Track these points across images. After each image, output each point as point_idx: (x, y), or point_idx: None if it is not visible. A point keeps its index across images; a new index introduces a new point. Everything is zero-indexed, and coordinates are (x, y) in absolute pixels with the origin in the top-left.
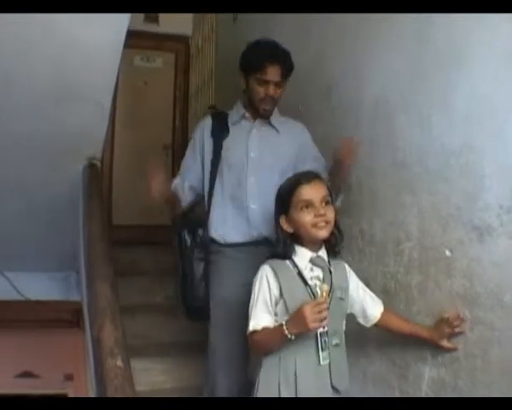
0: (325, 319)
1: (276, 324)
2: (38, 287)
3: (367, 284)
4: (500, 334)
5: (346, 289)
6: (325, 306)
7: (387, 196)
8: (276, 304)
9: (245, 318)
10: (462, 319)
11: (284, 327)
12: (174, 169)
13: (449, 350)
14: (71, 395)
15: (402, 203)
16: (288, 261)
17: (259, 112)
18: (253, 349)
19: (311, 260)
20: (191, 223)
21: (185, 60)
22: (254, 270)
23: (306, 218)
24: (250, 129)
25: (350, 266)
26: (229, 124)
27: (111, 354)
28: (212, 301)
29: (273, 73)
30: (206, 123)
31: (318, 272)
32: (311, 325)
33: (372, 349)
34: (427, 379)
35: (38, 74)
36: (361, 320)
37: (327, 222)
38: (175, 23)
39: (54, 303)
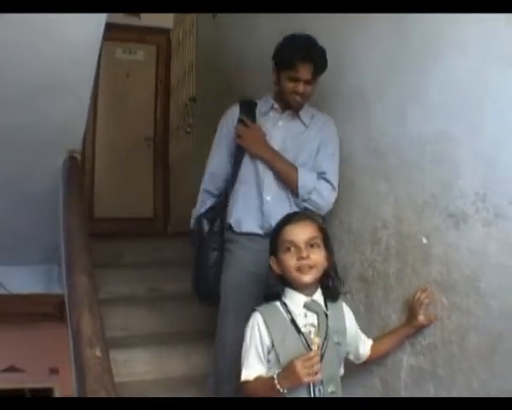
0: (318, 372)
1: (269, 372)
2: (21, 281)
3: (346, 272)
4: (477, 320)
5: (343, 332)
6: (317, 359)
7: (363, 185)
8: (269, 353)
9: (254, 304)
10: (428, 292)
11: (276, 381)
12: (155, 161)
13: (428, 324)
14: (56, 388)
15: (378, 192)
16: (281, 307)
17: (290, 104)
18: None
19: (306, 306)
20: (210, 211)
21: (166, 52)
22: (266, 261)
23: (290, 260)
24: (277, 121)
25: None
26: (258, 114)
27: (90, 344)
28: (223, 287)
29: (304, 71)
30: (234, 111)
31: (313, 319)
32: (305, 379)
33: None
34: (405, 367)
35: (16, 67)
36: (352, 357)
37: (311, 266)
38: (156, 16)
39: (37, 297)
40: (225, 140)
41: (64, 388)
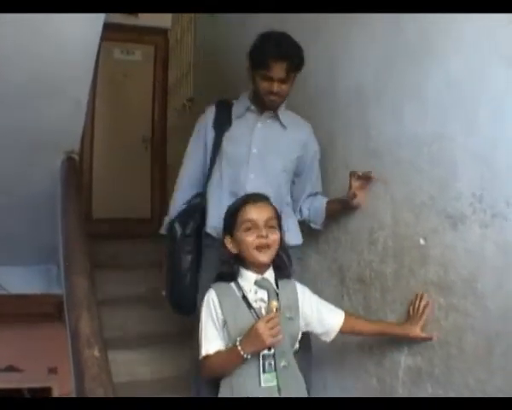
0: (279, 333)
1: (228, 346)
2: (20, 281)
3: (342, 273)
4: (474, 321)
5: (295, 309)
6: (277, 320)
7: None
8: (224, 327)
9: None
10: (427, 301)
11: (239, 347)
12: (153, 161)
13: (424, 340)
14: (55, 388)
15: (375, 192)
16: (233, 284)
17: (265, 104)
18: (207, 374)
19: (256, 283)
20: (183, 214)
21: (164, 52)
22: None
23: (249, 239)
24: (255, 122)
25: (325, 254)
26: (233, 115)
27: (88, 344)
28: (201, 293)
29: (278, 70)
30: (209, 113)
31: (263, 294)
32: (268, 340)
33: (349, 337)
34: (403, 367)
35: (14, 68)
36: (323, 337)
37: (268, 246)
38: (154, 16)
39: (36, 297)
40: (202, 143)
41: (62, 387)
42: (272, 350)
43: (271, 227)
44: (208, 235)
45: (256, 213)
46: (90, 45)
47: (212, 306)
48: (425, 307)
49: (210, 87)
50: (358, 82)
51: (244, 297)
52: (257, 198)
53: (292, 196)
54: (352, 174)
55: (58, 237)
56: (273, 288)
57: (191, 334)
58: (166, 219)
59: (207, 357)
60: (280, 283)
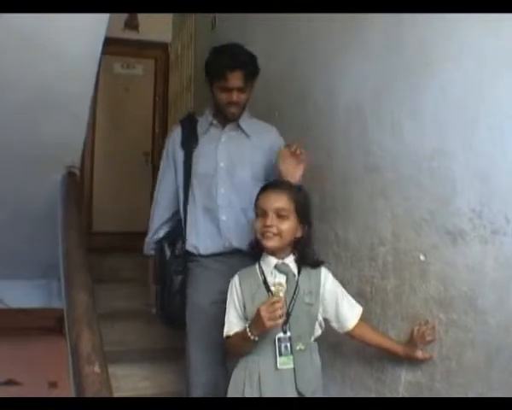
0: (281, 317)
1: None
2: (20, 295)
3: (343, 289)
4: (474, 336)
5: (316, 294)
6: (280, 304)
7: (361, 201)
8: (245, 310)
9: (220, 323)
10: (433, 328)
11: (247, 330)
12: (154, 175)
13: (422, 361)
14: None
15: (375, 208)
16: (257, 268)
17: (227, 116)
18: (229, 353)
19: (276, 267)
20: (171, 236)
21: (165, 66)
22: (229, 278)
23: (257, 225)
24: (219, 137)
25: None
26: (199, 133)
27: (88, 360)
28: (188, 307)
29: (234, 79)
30: (176, 133)
31: (281, 279)
32: (268, 323)
33: (349, 352)
34: (403, 382)
35: (14, 83)
36: (335, 325)
37: (275, 234)
38: (154, 30)
39: (36, 311)
40: (171, 162)
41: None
42: (288, 333)
43: (282, 216)
44: (190, 253)
45: (266, 202)
46: (90, 60)
47: (234, 290)
48: (429, 331)
49: (210, 101)
50: (357, 98)
51: (265, 281)
52: (273, 187)
53: None
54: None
55: (58, 251)
56: (292, 272)
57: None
58: (146, 240)
59: (228, 337)
60: (303, 269)
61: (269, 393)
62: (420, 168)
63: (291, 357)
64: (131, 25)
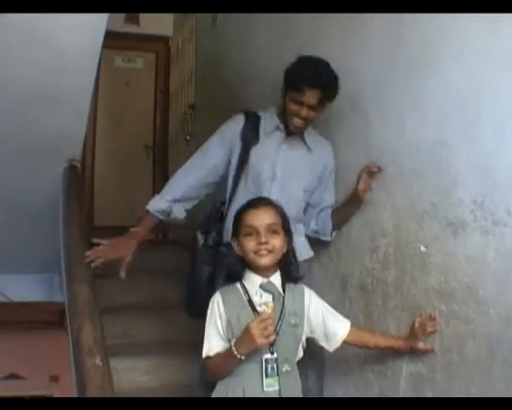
0: (272, 334)
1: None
2: (22, 289)
3: (345, 282)
4: (475, 327)
5: (301, 314)
6: (270, 321)
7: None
8: (227, 329)
9: None
10: (434, 320)
11: (233, 348)
12: (155, 169)
13: (425, 352)
14: (56, 396)
15: (377, 200)
16: (239, 287)
17: (289, 125)
18: (208, 374)
19: (262, 286)
20: (206, 224)
21: (166, 60)
22: None
23: (249, 244)
24: (281, 143)
25: (327, 263)
26: (261, 131)
27: (90, 353)
28: None
29: (310, 96)
30: (238, 121)
31: (268, 298)
32: (259, 340)
33: (351, 349)
34: (404, 374)
35: (15, 77)
36: (324, 344)
37: (270, 251)
38: (155, 24)
39: (38, 305)
40: (226, 147)
41: (64, 396)
42: (275, 354)
43: (274, 232)
44: (227, 244)
45: (256, 219)
46: (91, 53)
47: (216, 308)
48: (430, 322)
49: (211, 95)
50: (359, 92)
51: (249, 301)
52: (259, 203)
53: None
54: (365, 169)
55: (60, 245)
56: (278, 292)
57: (197, 343)
58: (157, 198)
59: (208, 358)
60: (287, 286)
61: None
62: (422, 161)
63: (277, 378)
64: (132, 18)
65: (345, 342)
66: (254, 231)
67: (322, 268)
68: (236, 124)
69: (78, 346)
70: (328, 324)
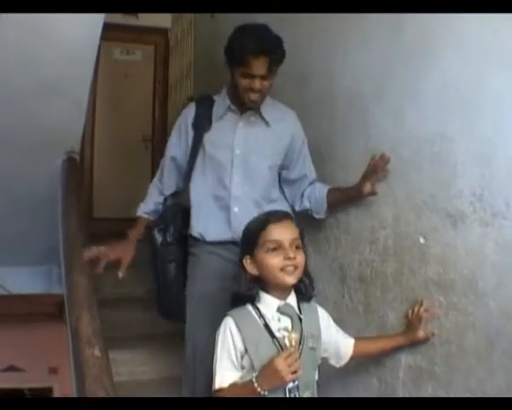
0: (299, 369)
1: (244, 379)
2: (21, 281)
3: (343, 272)
4: (474, 319)
5: (317, 337)
6: (297, 355)
7: None
8: (242, 357)
9: (221, 311)
10: (427, 307)
11: (256, 384)
12: (154, 161)
13: (426, 340)
14: (55, 388)
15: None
16: (252, 311)
17: (245, 102)
18: None
19: (279, 309)
20: (162, 220)
21: (164, 52)
22: (233, 265)
23: (274, 260)
24: (236, 122)
25: (326, 254)
26: (213, 116)
27: (88, 343)
28: (189, 293)
29: (258, 66)
30: (190, 111)
31: (287, 323)
32: (288, 377)
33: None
34: (403, 366)
35: (14, 68)
36: (333, 362)
37: (296, 267)
38: (154, 16)
39: (36, 297)
40: (183, 139)
41: (63, 387)
42: (296, 382)
43: (297, 248)
44: (194, 238)
45: (282, 234)
46: (90, 45)
47: (229, 335)
48: (424, 311)
49: (210, 87)
50: (358, 84)
51: (266, 326)
52: (281, 217)
53: (287, 189)
54: (373, 158)
55: (59, 237)
56: (297, 315)
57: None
58: (141, 206)
59: (221, 390)
60: (302, 307)
61: None
62: (421, 152)
63: None
64: None
65: (351, 358)
66: (279, 246)
67: (320, 256)
68: (188, 113)
69: (77, 336)
70: (339, 345)
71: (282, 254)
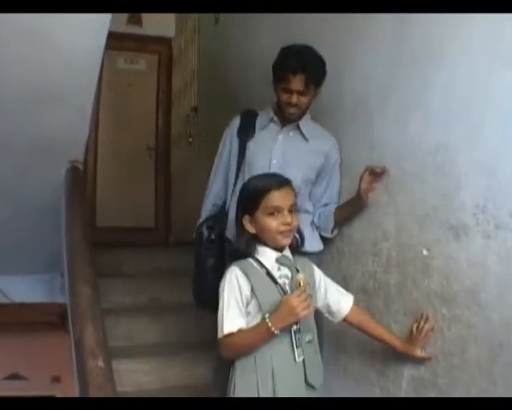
0: (310, 306)
1: (250, 324)
2: (24, 290)
3: (346, 283)
4: (477, 332)
5: (313, 285)
6: (307, 293)
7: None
8: (248, 305)
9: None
10: (427, 319)
11: (270, 324)
12: (157, 170)
13: (423, 361)
14: (58, 396)
15: (379, 203)
16: (254, 262)
17: (285, 116)
18: (228, 352)
19: (278, 260)
20: (210, 218)
21: (168, 61)
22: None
23: (272, 224)
24: (277, 134)
25: (329, 265)
26: (257, 125)
27: (92, 354)
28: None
29: (296, 83)
30: (234, 123)
31: (286, 271)
32: (302, 313)
33: (352, 347)
34: (406, 377)
35: (18, 77)
36: (327, 315)
37: (291, 230)
38: (158, 25)
39: (39, 306)
40: (227, 151)
41: (66, 396)
42: (298, 325)
43: (293, 211)
44: (229, 240)
45: (282, 200)
46: (94, 54)
47: (235, 283)
48: (429, 330)
49: (214, 96)
50: (362, 93)
51: (268, 274)
52: (281, 182)
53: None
54: (368, 169)
55: (62, 246)
56: (294, 265)
57: (194, 344)
58: (198, 223)
59: (229, 335)
60: (296, 260)
61: (282, 390)
62: (424, 163)
63: (301, 349)
64: (134, 20)
65: (347, 322)
66: (278, 211)
67: (323, 267)
68: (232, 125)
69: (81, 347)
70: (330, 296)
71: (280, 219)
